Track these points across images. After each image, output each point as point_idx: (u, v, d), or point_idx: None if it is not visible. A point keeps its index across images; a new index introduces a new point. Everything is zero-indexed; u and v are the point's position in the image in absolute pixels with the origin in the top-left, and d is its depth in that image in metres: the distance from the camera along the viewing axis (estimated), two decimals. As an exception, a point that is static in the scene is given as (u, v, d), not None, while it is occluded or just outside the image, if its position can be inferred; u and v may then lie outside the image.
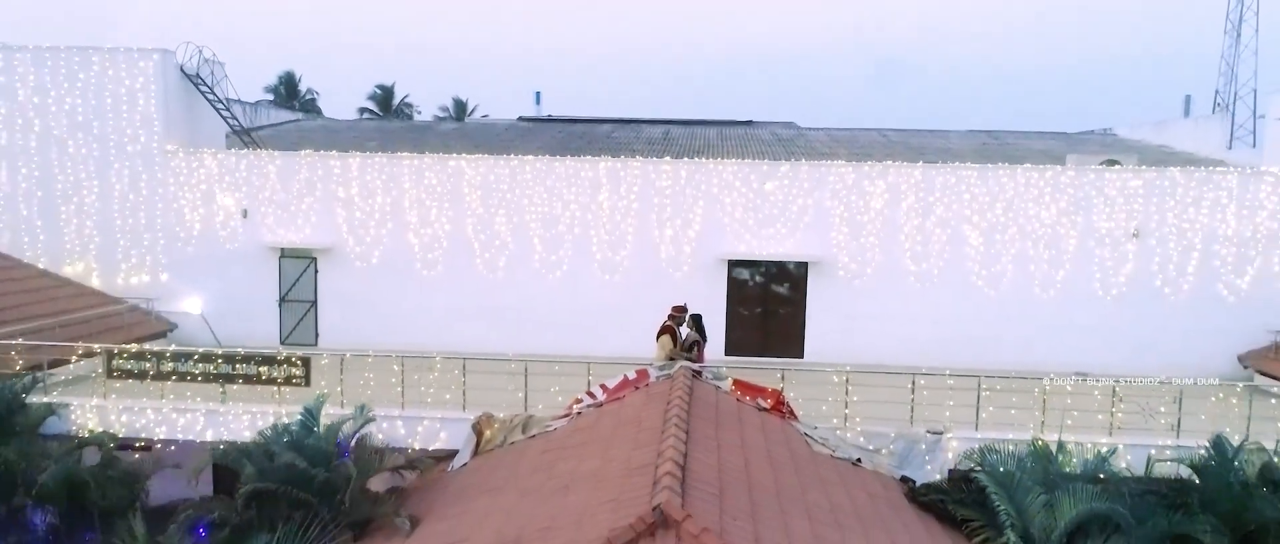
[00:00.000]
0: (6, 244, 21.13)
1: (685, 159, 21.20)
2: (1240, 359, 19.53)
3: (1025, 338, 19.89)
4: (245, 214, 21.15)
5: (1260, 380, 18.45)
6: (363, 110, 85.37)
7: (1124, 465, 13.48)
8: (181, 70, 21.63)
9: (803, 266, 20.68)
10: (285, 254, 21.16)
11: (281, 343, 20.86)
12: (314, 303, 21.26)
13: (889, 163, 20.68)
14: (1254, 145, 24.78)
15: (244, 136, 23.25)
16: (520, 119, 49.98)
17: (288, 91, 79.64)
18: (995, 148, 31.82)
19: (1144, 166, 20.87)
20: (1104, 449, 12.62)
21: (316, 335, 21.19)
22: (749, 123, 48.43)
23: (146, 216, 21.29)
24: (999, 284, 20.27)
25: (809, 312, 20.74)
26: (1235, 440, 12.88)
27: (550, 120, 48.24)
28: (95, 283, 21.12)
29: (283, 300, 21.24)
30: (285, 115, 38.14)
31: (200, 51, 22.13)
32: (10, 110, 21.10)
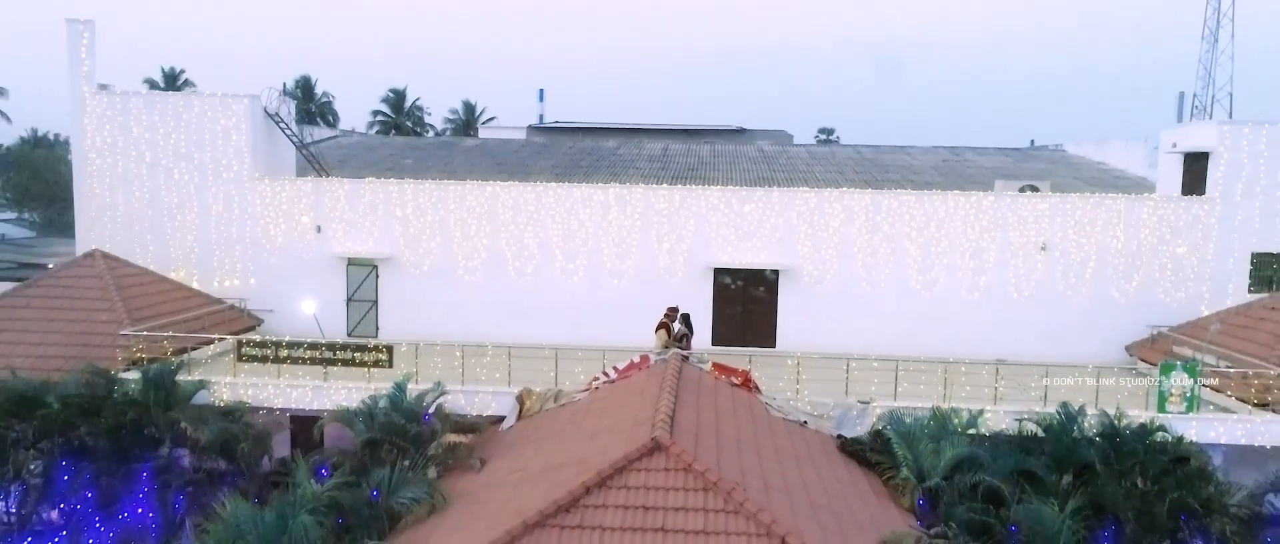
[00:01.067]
0: (123, 252, 25.65)
1: (679, 186, 25.83)
2: (1126, 349, 24.18)
3: (954, 332, 24.47)
4: (319, 230, 25.80)
5: (1140, 365, 23.17)
6: (376, 113, 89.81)
7: (1003, 426, 18.17)
8: (264, 110, 26.27)
9: (775, 273, 25.32)
10: (351, 263, 25.82)
11: (348, 335, 25.49)
12: (375, 302, 25.93)
13: (844, 189, 25.35)
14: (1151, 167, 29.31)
15: (315, 164, 27.88)
16: (531, 128, 54.38)
17: (304, 94, 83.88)
18: (954, 163, 36.42)
19: (1052, 193, 25.50)
20: (975, 412, 17.24)
21: (377, 329, 25.83)
22: (741, 131, 53.09)
23: (237, 232, 25.93)
24: (933, 288, 24.93)
25: (780, 310, 25.38)
26: (1088, 407, 17.60)
27: (557, 128, 52.72)
28: (195, 286, 25.78)
29: (350, 300, 25.91)
30: (324, 132, 42.75)
31: (279, 94, 26.75)
32: (126, 144, 25.72)
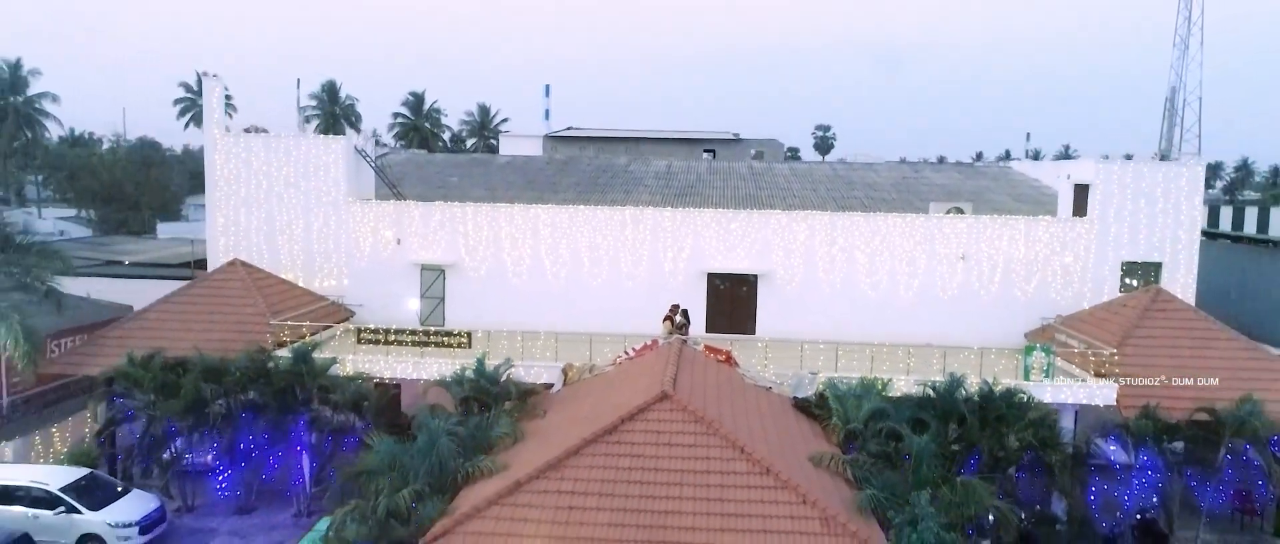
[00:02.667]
0: (245, 257, 32.78)
1: (680, 209, 32.96)
2: (1025, 335, 31.26)
3: (893, 323, 31.54)
4: (398, 241, 32.96)
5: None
6: (396, 115, 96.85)
7: (910, 389, 25.28)
8: (355, 148, 33.41)
9: (755, 277, 32.46)
10: (424, 268, 32.97)
11: (421, 324, 32.61)
12: (442, 299, 33.09)
13: (809, 211, 32.50)
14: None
15: (393, 188, 35.04)
16: (547, 138, 61.25)
17: (330, 98, 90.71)
18: (911, 181, 43.49)
19: (971, 215, 32.61)
20: (887, 380, 24.39)
21: (444, 320, 32.98)
22: (737, 139, 60.20)
23: (333, 243, 33.08)
24: (878, 289, 32.06)
25: (759, 306, 32.51)
26: (980, 378, 24.67)
27: (571, 138, 59.70)
28: (303, 286, 32.94)
29: (423, 297, 33.09)
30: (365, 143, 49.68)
31: (361, 131, 33.90)
32: (246, 174, 32.87)
